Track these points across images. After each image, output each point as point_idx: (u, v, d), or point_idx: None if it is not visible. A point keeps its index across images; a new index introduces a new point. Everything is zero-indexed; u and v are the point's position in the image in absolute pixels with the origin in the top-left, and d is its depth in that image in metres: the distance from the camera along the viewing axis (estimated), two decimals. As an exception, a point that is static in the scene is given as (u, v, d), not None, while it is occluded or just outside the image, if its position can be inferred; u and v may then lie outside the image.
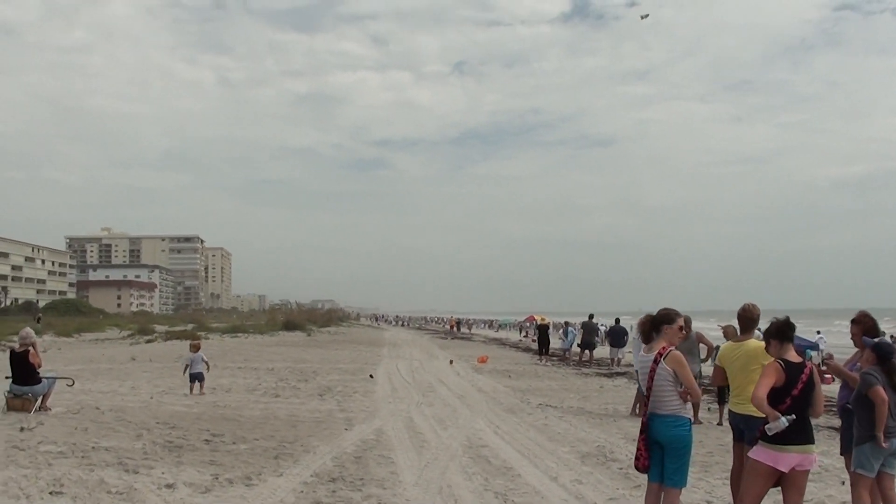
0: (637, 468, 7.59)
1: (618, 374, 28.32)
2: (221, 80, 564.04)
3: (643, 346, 7.82)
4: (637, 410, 17.53)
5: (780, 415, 6.79)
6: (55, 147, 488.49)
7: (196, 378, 19.79)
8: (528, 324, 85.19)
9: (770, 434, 6.85)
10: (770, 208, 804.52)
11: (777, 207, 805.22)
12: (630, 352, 25.85)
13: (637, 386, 18.68)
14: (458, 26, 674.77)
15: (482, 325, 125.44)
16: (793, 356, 7.18)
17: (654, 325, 7.64)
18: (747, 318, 8.65)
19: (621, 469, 11.34)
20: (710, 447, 13.10)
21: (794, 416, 6.81)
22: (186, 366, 20.19)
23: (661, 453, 7.38)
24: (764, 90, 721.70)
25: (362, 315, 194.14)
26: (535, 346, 44.92)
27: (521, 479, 10.59)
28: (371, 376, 25.88)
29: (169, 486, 9.66)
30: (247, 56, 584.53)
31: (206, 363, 20.34)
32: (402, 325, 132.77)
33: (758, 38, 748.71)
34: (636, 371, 18.75)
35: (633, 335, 19.29)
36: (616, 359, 32.61)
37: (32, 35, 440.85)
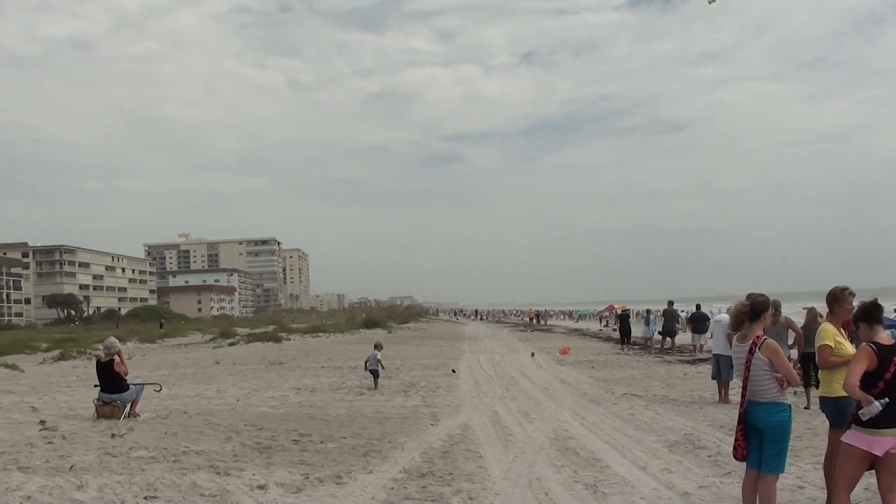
0: (735, 458, 7.53)
1: (700, 360, 27.99)
2: (292, 83, 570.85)
3: (736, 334, 7.69)
4: (720, 396, 17.37)
5: (873, 399, 6.68)
6: (132, 156, 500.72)
7: (372, 374, 20.97)
8: (607, 313, 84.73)
9: (864, 419, 6.73)
10: (851, 186, 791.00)
11: (858, 184, 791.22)
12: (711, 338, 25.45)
13: (712, 373, 18.42)
14: (524, 17, 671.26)
15: (561, 317, 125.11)
16: (883, 338, 7.04)
17: (754, 313, 7.53)
18: (830, 299, 8.46)
19: (710, 457, 11.26)
20: (799, 431, 12.84)
21: (887, 400, 6.69)
22: (367, 361, 21.39)
23: (759, 440, 7.32)
24: (837, 66, 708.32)
25: (441, 310, 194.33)
26: (616, 335, 44.64)
27: (609, 470, 10.55)
28: (453, 371, 26.00)
29: (261, 487, 9.80)
30: (316, 57, 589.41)
31: (380, 362, 21.33)
32: (482, 319, 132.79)
33: (827, 13, 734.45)
34: (713, 356, 18.51)
35: (714, 321, 19.06)
36: (698, 345, 32.33)
37: (105, 48, 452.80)
